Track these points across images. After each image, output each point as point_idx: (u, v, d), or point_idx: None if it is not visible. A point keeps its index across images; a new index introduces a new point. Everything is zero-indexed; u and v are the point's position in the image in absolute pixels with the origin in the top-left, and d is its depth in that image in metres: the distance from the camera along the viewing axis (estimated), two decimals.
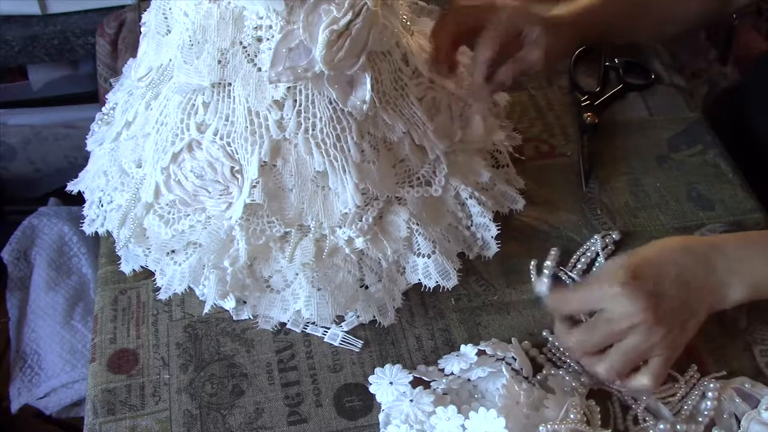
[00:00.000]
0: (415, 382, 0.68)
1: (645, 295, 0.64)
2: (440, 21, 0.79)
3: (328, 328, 0.74)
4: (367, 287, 0.73)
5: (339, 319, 0.74)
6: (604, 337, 0.66)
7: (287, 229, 0.73)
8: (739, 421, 0.67)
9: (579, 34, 0.81)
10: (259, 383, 0.71)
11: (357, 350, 0.73)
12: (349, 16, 0.65)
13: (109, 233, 0.79)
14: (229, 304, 0.74)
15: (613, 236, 0.81)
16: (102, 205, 0.79)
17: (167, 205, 0.75)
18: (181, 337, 0.74)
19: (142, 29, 0.76)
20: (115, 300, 0.77)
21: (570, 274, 0.78)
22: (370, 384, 0.69)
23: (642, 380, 0.67)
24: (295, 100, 0.68)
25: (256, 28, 0.66)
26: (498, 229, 0.77)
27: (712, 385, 0.68)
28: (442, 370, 0.70)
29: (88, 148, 0.84)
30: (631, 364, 0.67)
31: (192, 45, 0.68)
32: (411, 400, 0.65)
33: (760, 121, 0.97)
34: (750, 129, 0.98)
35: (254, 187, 0.71)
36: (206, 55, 0.68)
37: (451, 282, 0.74)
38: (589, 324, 0.67)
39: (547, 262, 0.78)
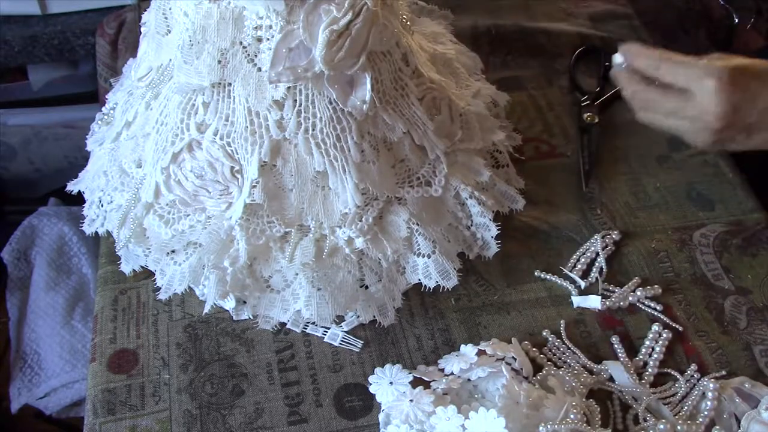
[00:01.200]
0: (415, 382, 0.68)
1: (731, 106, 0.62)
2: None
3: (328, 328, 0.74)
4: (367, 287, 0.73)
5: (339, 319, 0.74)
6: (669, 110, 0.65)
7: (287, 229, 0.73)
8: (739, 421, 0.67)
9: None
10: (259, 383, 0.71)
11: (357, 350, 0.73)
12: (349, 16, 0.65)
13: (109, 233, 0.79)
14: (229, 304, 0.74)
15: (613, 236, 0.81)
16: (102, 205, 0.79)
17: (167, 205, 0.75)
18: (181, 337, 0.74)
19: (142, 29, 0.76)
20: (115, 300, 0.77)
21: (570, 274, 0.78)
22: (370, 384, 0.69)
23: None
24: (295, 100, 0.68)
25: (256, 28, 0.66)
26: (498, 229, 0.77)
27: (712, 385, 0.68)
28: (442, 370, 0.69)
29: (88, 148, 0.84)
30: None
31: (192, 45, 0.68)
32: (411, 400, 0.65)
33: None
34: None
35: (254, 187, 0.71)
36: (206, 55, 0.68)
37: (451, 282, 0.74)
38: (665, 92, 0.66)
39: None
